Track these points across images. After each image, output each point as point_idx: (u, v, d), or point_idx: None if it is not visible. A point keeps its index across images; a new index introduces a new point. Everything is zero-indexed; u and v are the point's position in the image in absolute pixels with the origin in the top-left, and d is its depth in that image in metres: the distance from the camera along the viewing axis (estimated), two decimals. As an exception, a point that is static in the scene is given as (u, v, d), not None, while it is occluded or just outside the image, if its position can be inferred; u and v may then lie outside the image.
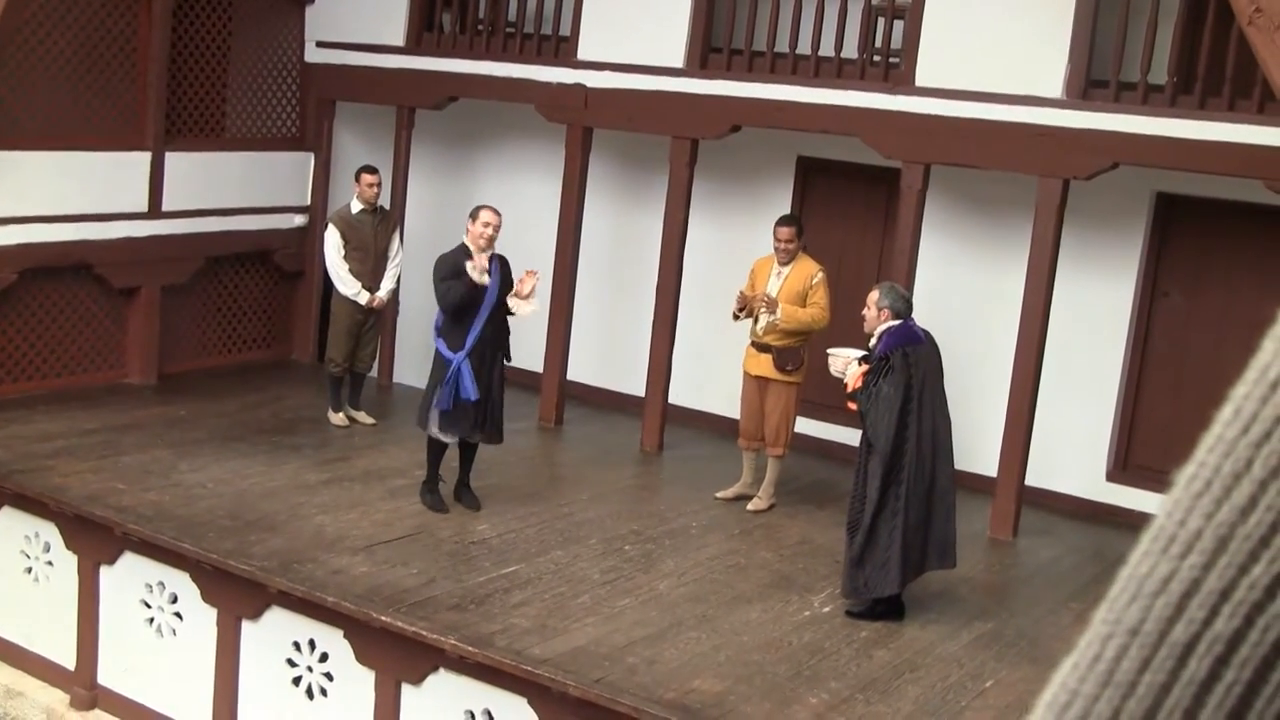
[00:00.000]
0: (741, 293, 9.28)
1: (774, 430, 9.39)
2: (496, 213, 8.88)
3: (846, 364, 7.85)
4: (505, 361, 8.90)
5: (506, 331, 8.86)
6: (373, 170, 10.74)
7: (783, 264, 9.30)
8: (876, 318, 7.76)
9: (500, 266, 8.82)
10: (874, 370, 7.61)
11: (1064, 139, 8.99)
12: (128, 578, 8.63)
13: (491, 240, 8.77)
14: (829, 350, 8.09)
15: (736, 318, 9.35)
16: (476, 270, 8.57)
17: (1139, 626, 0.70)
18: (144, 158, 11.26)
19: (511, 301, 8.69)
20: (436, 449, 8.93)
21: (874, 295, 7.85)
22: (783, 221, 9.38)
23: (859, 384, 7.64)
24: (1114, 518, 9.83)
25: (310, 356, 12.81)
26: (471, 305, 8.63)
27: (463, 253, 8.74)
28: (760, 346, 9.37)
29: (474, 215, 8.84)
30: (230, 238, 12.04)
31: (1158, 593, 0.70)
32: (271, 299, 12.82)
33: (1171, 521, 0.71)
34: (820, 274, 9.23)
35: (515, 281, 8.70)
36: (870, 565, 7.60)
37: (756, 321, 9.34)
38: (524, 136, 12.48)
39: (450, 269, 8.65)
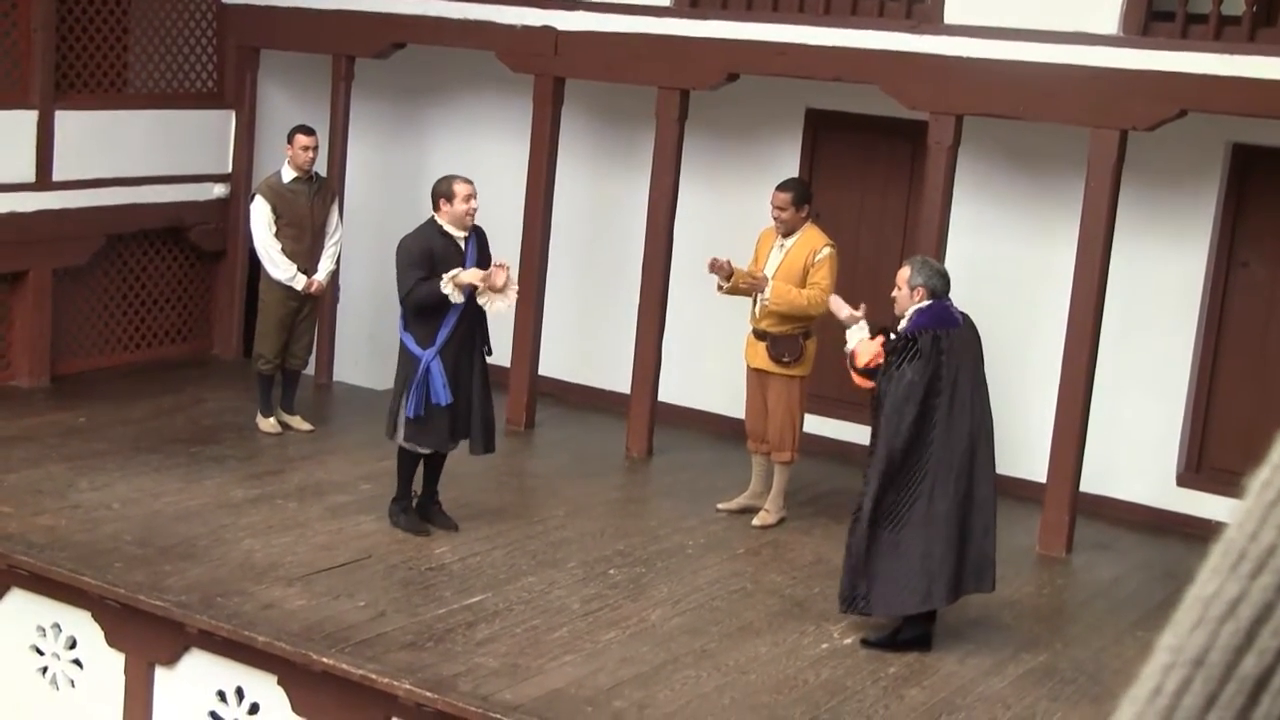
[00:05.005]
0: (714, 259, 9.24)
1: (777, 432, 9.41)
2: (470, 182, 8.80)
3: (853, 319, 7.85)
4: (486, 355, 8.89)
5: (484, 319, 8.83)
6: (309, 131, 10.72)
7: (783, 235, 9.31)
8: (909, 298, 7.73)
9: (478, 240, 8.79)
10: (898, 350, 7.58)
11: (1121, 83, 9.00)
12: (15, 620, 8.58)
13: (474, 217, 8.72)
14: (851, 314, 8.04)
15: (721, 288, 9.35)
16: (455, 290, 8.51)
17: (1204, 656, 0.70)
18: (29, 117, 11.21)
19: (482, 298, 8.63)
20: (409, 461, 8.90)
21: (904, 272, 7.83)
22: (778, 187, 9.38)
23: (877, 361, 7.60)
24: (1186, 529, 9.86)
25: (235, 352, 12.80)
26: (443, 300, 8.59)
27: (433, 234, 8.67)
28: (759, 333, 9.38)
29: (448, 192, 8.68)
30: (136, 212, 11.99)
31: (1225, 617, 0.70)
32: (187, 284, 12.79)
33: (1242, 534, 0.72)
34: (827, 249, 9.21)
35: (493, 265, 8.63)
36: (879, 577, 7.58)
37: (755, 303, 9.33)
38: (483, 89, 12.48)
39: (419, 255, 8.57)
